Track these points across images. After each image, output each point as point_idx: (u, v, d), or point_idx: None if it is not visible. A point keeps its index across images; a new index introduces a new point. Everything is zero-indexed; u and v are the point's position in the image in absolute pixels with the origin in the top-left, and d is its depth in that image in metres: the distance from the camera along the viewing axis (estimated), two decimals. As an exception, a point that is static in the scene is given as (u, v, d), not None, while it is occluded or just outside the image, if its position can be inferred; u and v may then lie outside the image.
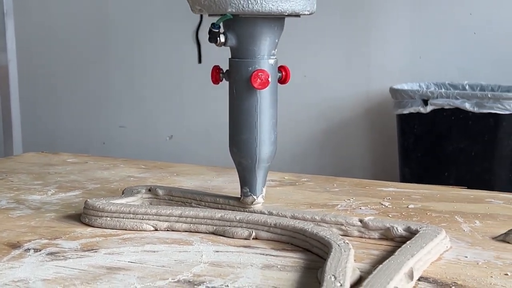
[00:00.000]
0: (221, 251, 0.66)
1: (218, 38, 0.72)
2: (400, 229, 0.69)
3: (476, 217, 0.78)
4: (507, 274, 0.59)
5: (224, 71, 0.75)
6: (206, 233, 0.72)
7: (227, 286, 0.57)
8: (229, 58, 0.74)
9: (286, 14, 0.71)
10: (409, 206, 0.83)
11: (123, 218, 0.73)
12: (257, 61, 0.72)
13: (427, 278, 0.59)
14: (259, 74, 0.71)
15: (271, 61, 0.73)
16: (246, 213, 0.73)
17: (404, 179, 2.11)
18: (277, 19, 0.73)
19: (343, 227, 0.71)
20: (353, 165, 2.43)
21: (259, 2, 0.68)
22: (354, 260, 0.61)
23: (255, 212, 0.74)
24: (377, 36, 2.34)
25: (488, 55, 2.21)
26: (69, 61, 2.92)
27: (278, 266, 0.62)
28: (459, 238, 0.70)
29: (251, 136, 0.73)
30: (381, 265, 0.58)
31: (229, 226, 0.71)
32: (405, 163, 2.15)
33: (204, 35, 2.64)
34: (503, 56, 2.18)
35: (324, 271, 0.56)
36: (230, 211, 0.74)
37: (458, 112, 2.00)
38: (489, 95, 1.95)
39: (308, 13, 0.73)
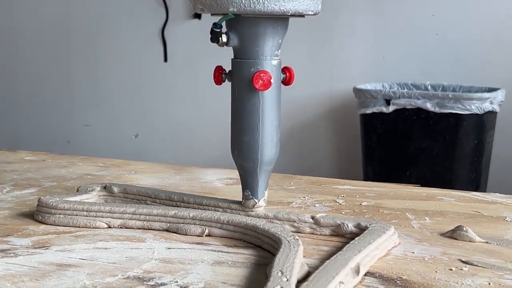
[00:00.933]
0: (173, 248, 0.67)
1: (220, 38, 0.70)
2: (350, 226, 0.70)
3: (427, 214, 0.80)
4: (451, 269, 0.61)
5: (227, 72, 0.73)
6: (160, 230, 0.72)
7: (176, 282, 0.57)
8: (232, 59, 0.72)
9: (289, 14, 0.69)
10: (362, 204, 0.84)
11: (77, 215, 0.73)
12: (260, 61, 0.70)
13: (373, 273, 0.60)
14: (261, 75, 0.69)
15: (274, 62, 0.71)
16: (199, 210, 0.74)
17: (367, 177, 2.14)
18: (281, 19, 0.71)
19: (295, 224, 0.72)
20: (317, 164, 2.45)
21: (261, 1, 0.67)
22: (304, 256, 0.62)
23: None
24: (340, 36, 2.37)
25: (450, 56, 2.25)
26: (33, 60, 2.89)
27: (229, 262, 0.63)
28: (408, 235, 0.72)
29: (253, 138, 0.71)
30: (328, 261, 0.59)
31: (183, 223, 0.72)
32: (368, 162, 2.18)
33: (169, 33, 2.63)
34: (465, 57, 2.22)
35: (272, 267, 0.57)
36: (184, 208, 0.74)
37: (420, 112, 2.04)
38: (450, 96, 1.99)
39: (312, 13, 0.71)
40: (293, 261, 0.58)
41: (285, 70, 0.74)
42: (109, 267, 0.61)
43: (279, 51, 0.72)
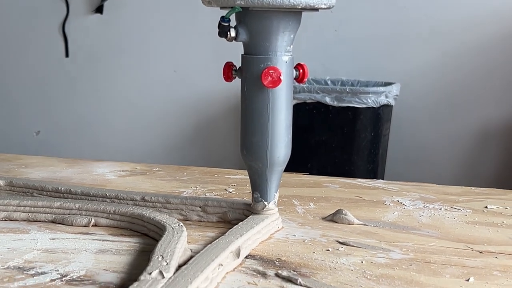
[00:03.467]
0: (57, 239, 0.66)
1: (228, 33, 0.66)
2: (236, 213, 0.72)
3: (312, 200, 0.83)
4: (328, 250, 0.64)
5: (237, 68, 0.69)
6: (45, 221, 0.72)
7: (57, 270, 0.57)
8: (242, 54, 0.69)
9: (300, 8, 0.65)
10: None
11: (-42, 209, 0.72)
12: (270, 58, 0.66)
13: (254, 256, 0.62)
14: (270, 71, 0.65)
15: (286, 58, 0.67)
16: (85, 201, 0.74)
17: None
18: (292, 13, 0.67)
19: (183, 212, 0.74)
20: (223, 158, 2.47)
21: None
22: (189, 242, 0.64)
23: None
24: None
25: (348, 52, 2.32)
26: None
27: (113, 251, 0.63)
28: (291, 219, 0.74)
29: (262, 138, 0.68)
30: (210, 245, 0.60)
31: (68, 214, 0.72)
32: (271, 155, 2.21)
33: (70, 28, 2.58)
34: (362, 53, 2.30)
35: (153, 252, 0.58)
36: (69, 199, 0.74)
37: (319, 106, 2.09)
38: (347, 90, 2.05)
39: (325, 7, 0.67)
40: (175, 246, 0.59)
41: (298, 67, 0.70)
42: (-11, 259, 0.60)
43: (291, 46, 0.69)
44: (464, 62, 2.17)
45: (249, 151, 0.69)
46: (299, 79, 0.70)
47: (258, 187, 0.70)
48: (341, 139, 2.11)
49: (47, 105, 2.70)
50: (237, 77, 0.70)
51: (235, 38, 0.67)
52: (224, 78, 0.70)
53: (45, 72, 2.67)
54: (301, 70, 0.70)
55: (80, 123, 2.66)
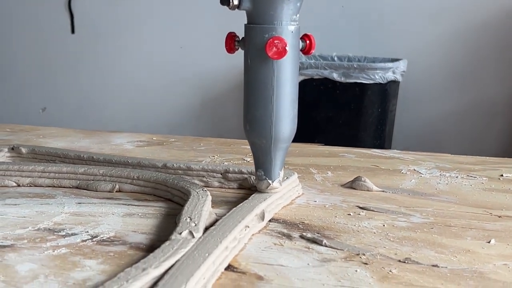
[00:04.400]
0: (83, 203, 0.68)
1: (231, 0, 0.63)
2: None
3: (329, 169, 0.84)
4: (350, 214, 0.65)
5: (240, 39, 0.66)
6: (70, 187, 0.73)
7: (87, 232, 0.59)
8: (245, 24, 0.65)
9: None
10: (269, 161, 0.88)
11: (-16, 174, 0.73)
12: (275, 27, 0.62)
13: (277, 219, 0.64)
14: (275, 42, 0.61)
15: (291, 28, 0.63)
16: (109, 167, 0.75)
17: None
18: None
19: (204, 179, 0.75)
20: (229, 135, 2.48)
21: None
22: (212, 206, 0.65)
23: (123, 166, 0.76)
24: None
25: (355, 28, 2.32)
26: None
27: (139, 214, 0.65)
28: (311, 186, 0.76)
29: (266, 112, 0.64)
30: (235, 208, 0.62)
31: (93, 180, 0.73)
32: (277, 131, 2.22)
33: (76, 5, 2.58)
34: (369, 29, 2.30)
35: (181, 214, 0.59)
36: (93, 165, 0.75)
37: (326, 82, 2.10)
38: (355, 66, 2.06)
39: None
40: (201, 209, 0.61)
41: (305, 37, 0.66)
42: (19, 221, 0.61)
43: (298, 15, 0.65)
44: (471, 39, 2.17)
45: (252, 127, 0.66)
46: (305, 50, 0.66)
47: (262, 164, 0.67)
48: (348, 115, 2.12)
49: (53, 81, 2.70)
50: (240, 48, 0.66)
51: (238, 6, 0.63)
52: (227, 49, 0.66)
53: (51, 49, 2.67)
54: (307, 41, 0.66)
55: (85, 99, 2.67)
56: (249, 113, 0.65)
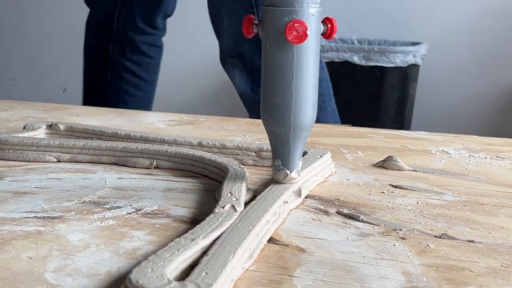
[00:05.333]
0: (124, 178, 0.70)
1: None
2: (290, 157, 0.75)
3: (359, 149, 0.85)
4: (383, 192, 0.67)
5: (259, 22, 0.62)
6: (109, 163, 0.75)
7: (131, 205, 0.61)
8: (263, 6, 0.62)
9: None
10: (299, 141, 0.89)
11: (26, 150, 0.75)
12: (295, 10, 0.59)
13: (313, 196, 0.65)
14: (296, 25, 0.58)
15: (313, 11, 0.59)
16: (147, 144, 0.77)
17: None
18: None
19: (238, 157, 0.77)
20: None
21: None
22: (249, 183, 0.67)
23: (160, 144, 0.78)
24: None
25: (375, 12, 2.32)
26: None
27: (179, 189, 0.67)
28: (342, 165, 0.77)
29: (285, 100, 0.61)
30: (272, 185, 0.63)
31: (131, 157, 0.75)
32: (297, 114, 2.23)
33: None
34: (390, 13, 2.30)
35: (221, 190, 0.61)
36: (132, 142, 0.77)
37: (347, 65, 2.11)
38: (375, 49, 2.07)
39: None
40: (240, 184, 0.63)
41: (326, 21, 0.62)
42: (65, 194, 0.63)
43: None
44: (492, 23, 2.17)
45: (270, 114, 0.62)
46: (326, 34, 0.62)
47: (280, 154, 0.63)
48: (368, 98, 2.13)
49: (74, 62, 2.72)
50: (258, 32, 0.62)
51: None
52: (244, 33, 0.62)
53: (72, 29, 2.69)
54: (329, 25, 0.62)
55: (106, 80, 2.69)
56: (267, 101, 0.62)
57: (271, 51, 0.61)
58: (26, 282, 0.44)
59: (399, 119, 2.14)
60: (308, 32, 0.58)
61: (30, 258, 0.48)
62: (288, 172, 0.63)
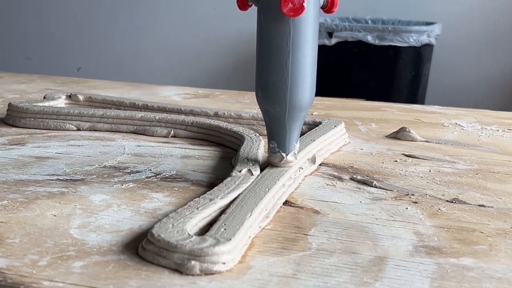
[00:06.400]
0: (142, 146, 0.72)
1: None
2: (304, 127, 0.77)
3: (372, 121, 0.87)
4: (396, 161, 0.68)
5: None
6: (127, 132, 0.77)
7: (150, 170, 0.63)
8: None
9: None
10: (313, 113, 0.91)
11: (47, 118, 0.77)
12: None
13: (327, 164, 0.67)
14: None
15: None
16: (164, 114, 0.78)
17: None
18: None
19: (254, 127, 0.78)
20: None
21: None
22: (264, 151, 0.68)
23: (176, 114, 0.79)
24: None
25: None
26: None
27: (196, 156, 0.68)
28: (356, 136, 0.79)
29: (281, 77, 0.56)
30: (288, 151, 0.65)
31: (149, 126, 0.77)
32: (310, 93, 2.24)
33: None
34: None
35: (237, 155, 0.63)
36: (149, 112, 0.79)
37: (360, 44, 2.11)
38: (389, 28, 2.06)
39: None
40: (256, 151, 0.64)
41: None
42: (85, 159, 0.65)
43: None
44: (507, 3, 2.16)
45: (265, 93, 0.58)
46: (326, 8, 0.58)
47: (275, 135, 0.59)
48: (381, 78, 2.13)
49: (88, 41, 2.74)
50: (253, 5, 0.58)
51: None
52: (238, 6, 0.58)
53: (86, 7, 2.71)
54: None
55: (120, 60, 2.71)
56: (262, 78, 0.58)
57: (265, 26, 0.57)
58: (52, 237, 0.45)
59: (413, 99, 2.14)
60: (305, 4, 0.54)
61: (55, 215, 0.50)
62: (284, 155, 0.59)
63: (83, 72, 2.76)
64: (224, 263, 0.42)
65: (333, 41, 2.12)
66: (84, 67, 2.77)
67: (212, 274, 0.41)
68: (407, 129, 0.77)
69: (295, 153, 0.60)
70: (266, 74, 0.57)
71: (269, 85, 0.57)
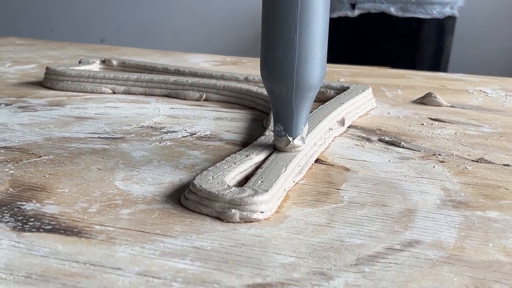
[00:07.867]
0: (176, 108, 0.74)
1: None
2: (332, 92, 0.79)
3: (398, 88, 0.88)
4: (423, 124, 0.70)
5: None
6: (161, 96, 0.80)
7: (186, 130, 0.65)
8: None
9: None
10: (340, 80, 0.93)
11: (83, 81, 0.80)
12: None
13: (355, 126, 0.69)
14: None
15: None
16: (196, 78, 0.81)
17: (332, 80, 2.23)
18: None
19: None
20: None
21: None
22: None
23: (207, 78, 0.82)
24: None
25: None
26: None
27: (228, 118, 0.71)
28: (383, 101, 0.81)
29: (287, 54, 0.50)
30: (315, 110, 0.67)
31: (182, 89, 0.79)
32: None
33: None
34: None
35: (269, 117, 0.65)
36: (182, 76, 0.81)
37: (383, 16, 2.11)
38: (412, 0, 2.07)
39: None
40: (287, 113, 0.66)
41: None
42: (123, 120, 0.68)
43: None
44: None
45: (270, 71, 0.52)
46: None
47: (282, 118, 0.54)
48: (404, 50, 2.14)
49: (111, 12, 2.77)
50: None
51: None
52: None
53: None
54: None
55: (143, 30, 2.73)
56: (267, 55, 0.52)
57: None
58: (99, 188, 0.48)
59: (435, 71, 2.15)
60: None
61: (99, 169, 0.52)
62: (290, 139, 0.54)
63: (107, 43, 2.79)
64: (262, 212, 0.44)
65: (356, 12, 2.13)
66: (107, 39, 2.80)
67: (251, 222, 0.43)
68: (433, 95, 0.79)
69: (302, 137, 0.54)
70: (271, 50, 0.51)
71: (275, 62, 0.51)
